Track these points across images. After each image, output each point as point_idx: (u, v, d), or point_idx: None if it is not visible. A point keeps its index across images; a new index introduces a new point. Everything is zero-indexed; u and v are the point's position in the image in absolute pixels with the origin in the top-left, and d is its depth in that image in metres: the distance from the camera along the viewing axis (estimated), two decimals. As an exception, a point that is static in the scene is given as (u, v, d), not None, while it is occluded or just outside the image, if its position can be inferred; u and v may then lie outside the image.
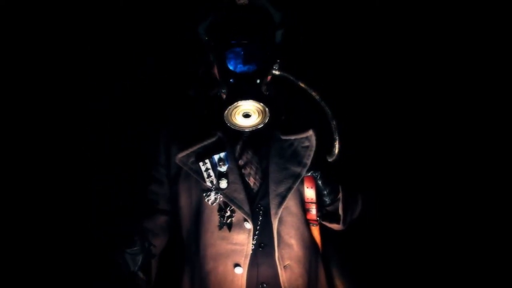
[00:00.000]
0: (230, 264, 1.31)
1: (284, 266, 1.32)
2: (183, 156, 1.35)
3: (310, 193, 1.38)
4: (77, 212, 1.95)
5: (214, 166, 1.34)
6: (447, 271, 1.99)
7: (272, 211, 1.31)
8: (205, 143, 1.36)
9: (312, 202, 1.38)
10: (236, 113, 1.26)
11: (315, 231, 1.43)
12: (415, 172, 2.03)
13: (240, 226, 1.32)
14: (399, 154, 2.03)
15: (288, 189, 1.32)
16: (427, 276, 1.97)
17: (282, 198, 1.31)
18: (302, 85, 1.34)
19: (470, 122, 2.05)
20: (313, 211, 1.39)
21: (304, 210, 1.39)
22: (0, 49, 1.94)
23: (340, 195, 1.37)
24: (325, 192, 1.38)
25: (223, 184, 1.33)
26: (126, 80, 1.98)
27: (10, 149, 1.93)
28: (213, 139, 1.36)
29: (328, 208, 1.42)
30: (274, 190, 1.32)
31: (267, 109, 1.24)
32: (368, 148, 1.82)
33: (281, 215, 1.33)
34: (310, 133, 1.35)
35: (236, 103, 1.22)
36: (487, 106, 2.03)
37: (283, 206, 1.31)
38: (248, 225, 1.31)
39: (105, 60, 1.99)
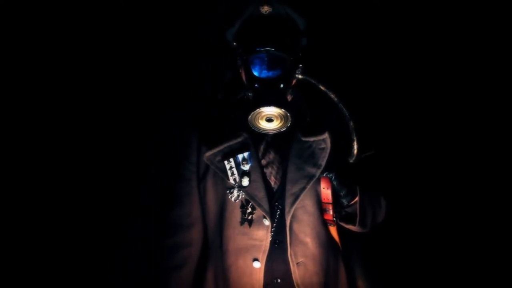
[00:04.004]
0: (249, 258, 1.38)
1: (297, 263, 1.38)
2: (211, 155, 1.44)
3: (326, 193, 1.42)
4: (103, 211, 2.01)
5: (237, 165, 1.42)
6: (464, 272, 1.96)
7: (286, 210, 1.38)
8: (231, 143, 1.44)
9: (328, 203, 1.43)
10: (260, 117, 1.34)
11: (333, 231, 1.47)
12: (433, 173, 2.01)
13: (260, 223, 1.39)
14: (417, 156, 2.02)
15: (302, 189, 1.38)
16: (450, 278, 1.94)
17: (296, 197, 1.37)
18: (322, 88, 1.40)
19: (485, 124, 2.02)
20: (330, 211, 1.43)
21: (321, 210, 1.44)
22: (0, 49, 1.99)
23: (357, 197, 1.41)
24: (342, 194, 1.42)
25: (245, 182, 1.41)
26: (158, 82, 2.05)
27: (10, 149, 1.99)
28: (239, 140, 1.45)
29: (347, 210, 1.45)
30: (290, 190, 1.39)
31: (289, 114, 1.32)
32: (386, 150, 1.83)
33: (296, 213, 1.39)
34: (326, 135, 1.40)
35: (259, 109, 1.31)
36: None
37: (295, 205, 1.38)
38: (267, 222, 1.38)
39: (135, 61, 2.07)
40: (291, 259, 1.38)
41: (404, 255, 1.97)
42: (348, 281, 1.51)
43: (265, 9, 1.40)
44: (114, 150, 2.05)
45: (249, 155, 1.43)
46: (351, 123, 1.38)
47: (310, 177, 1.39)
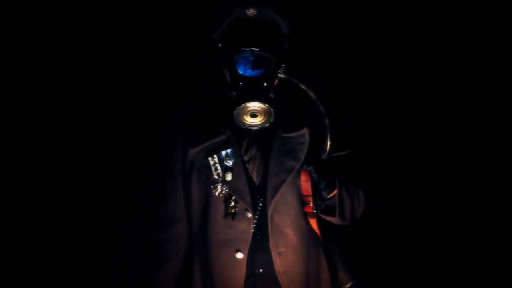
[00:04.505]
0: (232, 250, 1.45)
1: (279, 253, 1.44)
2: (195, 152, 1.51)
3: (306, 186, 1.50)
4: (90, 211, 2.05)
5: (221, 161, 1.49)
6: (447, 267, 2.02)
7: (268, 202, 1.45)
8: (215, 140, 1.51)
9: (308, 195, 1.50)
10: (245, 113, 1.41)
11: (314, 223, 1.54)
12: (413, 169, 2.07)
13: (242, 215, 1.46)
14: (395, 152, 2.08)
15: (283, 182, 1.45)
16: (433, 273, 2.01)
17: (276, 189, 1.45)
18: (302, 86, 1.47)
19: (462, 116, 2.08)
20: (310, 203, 1.50)
21: (302, 202, 1.51)
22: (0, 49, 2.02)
23: (336, 190, 1.48)
24: (321, 186, 1.49)
25: (229, 177, 1.47)
26: (142, 80, 2.08)
27: (10, 149, 2.01)
28: (222, 137, 1.52)
29: (327, 202, 1.52)
30: (270, 183, 1.46)
31: (272, 110, 1.39)
32: (364, 146, 1.89)
33: (278, 206, 1.46)
34: (305, 130, 1.48)
35: (244, 104, 1.38)
36: (477, 105, 2.05)
37: (276, 198, 1.45)
38: (249, 215, 1.45)
39: (123, 60, 2.10)
40: (273, 249, 1.44)
41: (386, 249, 2.03)
42: (329, 272, 1.57)
43: (251, 11, 1.47)
44: (114, 150, 2.09)
45: (232, 152, 1.50)
46: (326, 120, 1.45)
47: (290, 170, 1.46)
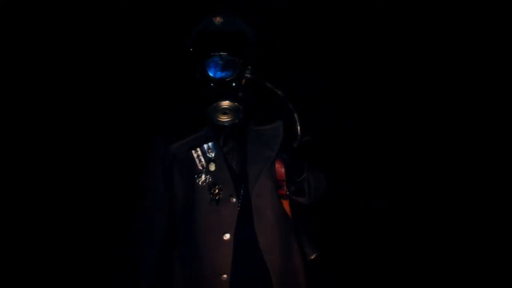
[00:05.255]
0: (219, 233, 1.62)
1: (261, 233, 1.65)
2: (178, 146, 1.67)
3: (280, 172, 1.71)
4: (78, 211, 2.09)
5: (204, 153, 1.67)
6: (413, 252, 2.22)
7: (250, 188, 1.65)
8: (196, 135, 1.68)
9: (282, 180, 1.72)
10: (217, 110, 1.59)
11: (286, 204, 1.76)
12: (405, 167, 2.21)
13: (227, 201, 1.64)
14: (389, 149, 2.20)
15: (261, 170, 1.66)
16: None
17: (257, 177, 1.65)
18: (269, 85, 1.70)
19: (462, 116, 2.18)
20: (284, 187, 1.72)
21: (277, 186, 1.72)
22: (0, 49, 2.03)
23: (305, 174, 1.72)
24: (293, 171, 1.71)
25: (212, 167, 1.65)
26: (126, 79, 2.15)
27: (11, 149, 2.05)
28: (202, 132, 1.69)
29: (297, 186, 1.75)
30: (250, 171, 1.67)
31: (240, 107, 1.59)
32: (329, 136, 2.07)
33: (258, 190, 1.66)
34: (278, 123, 1.70)
35: (215, 103, 1.57)
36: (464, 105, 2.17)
37: (257, 183, 1.65)
38: (233, 199, 1.64)
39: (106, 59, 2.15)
40: (257, 229, 1.64)
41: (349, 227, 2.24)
42: (298, 248, 1.80)
43: (218, 20, 1.66)
44: (114, 150, 2.14)
45: (213, 145, 1.68)
46: (295, 115, 1.69)
47: (268, 158, 1.67)
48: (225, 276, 1.60)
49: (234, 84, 1.63)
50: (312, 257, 1.79)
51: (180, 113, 1.77)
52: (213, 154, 1.67)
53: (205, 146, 1.67)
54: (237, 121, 1.62)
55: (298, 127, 1.69)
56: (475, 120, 2.18)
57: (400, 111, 2.24)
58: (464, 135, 2.20)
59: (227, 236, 1.62)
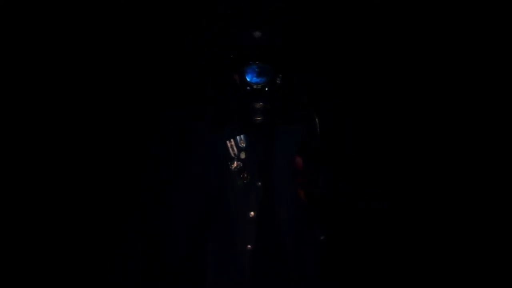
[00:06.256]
0: (246, 212, 1.96)
1: (280, 213, 1.99)
2: (218, 136, 1.98)
3: (298, 161, 1.99)
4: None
5: (237, 143, 1.99)
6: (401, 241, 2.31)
7: (273, 175, 1.98)
8: (230, 127, 2.00)
9: (299, 170, 2.01)
10: (251, 110, 1.89)
11: (300, 192, 2.04)
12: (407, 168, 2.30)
13: (253, 184, 1.96)
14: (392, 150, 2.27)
15: (284, 161, 1.98)
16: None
17: (280, 167, 1.99)
18: (294, 91, 2.00)
19: (461, 116, 2.22)
20: (299, 177, 2.02)
21: (295, 175, 2.02)
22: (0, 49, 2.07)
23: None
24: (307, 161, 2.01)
25: (243, 155, 1.98)
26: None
27: (12, 149, 2.10)
28: (235, 126, 2.00)
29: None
30: (275, 161, 1.99)
31: (270, 108, 1.88)
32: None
33: (280, 178, 1.99)
34: (301, 125, 2.00)
35: (251, 104, 1.87)
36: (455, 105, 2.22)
37: (279, 172, 1.98)
38: (259, 183, 1.97)
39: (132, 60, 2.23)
40: (276, 209, 1.97)
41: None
42: (310, 229, 2.10)
43: (257, 34, 1.96)
44: (114, 149, 2.24)
45: (245, 137, 2.00)
46: (316, 120, 1.99)
47: (291, 154, 1.98)
48: (249, 246, 1.94)
49: (266, 89, 1.92)
50: (322, 238, 2.11)
51: (218, 109, 2.09)
52: (244, 145, 2.00)
53: (238, 137, 2.01)
54: (267, 121, 1.91)
55: (318, 130, 2.00)
56: (475, 120, 2.22)
57: (400, 111, 2.31)
58: (464, 135, 2.25)
59: (252, 214, 1.95)
